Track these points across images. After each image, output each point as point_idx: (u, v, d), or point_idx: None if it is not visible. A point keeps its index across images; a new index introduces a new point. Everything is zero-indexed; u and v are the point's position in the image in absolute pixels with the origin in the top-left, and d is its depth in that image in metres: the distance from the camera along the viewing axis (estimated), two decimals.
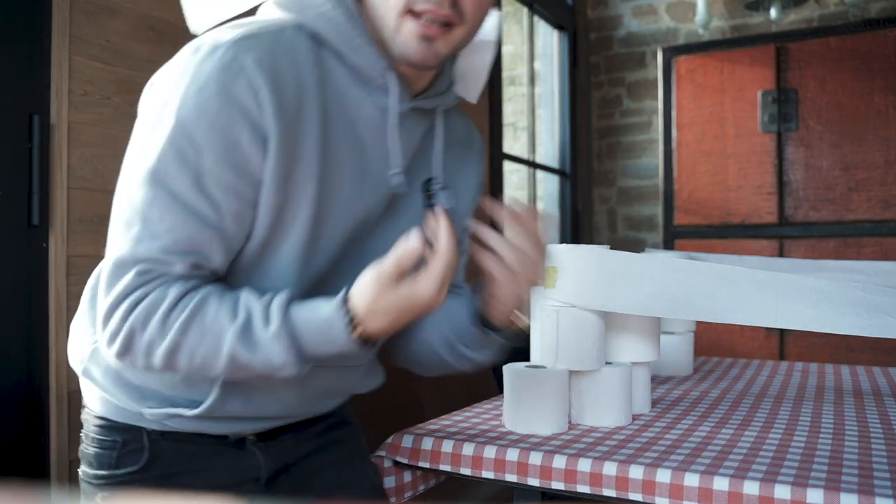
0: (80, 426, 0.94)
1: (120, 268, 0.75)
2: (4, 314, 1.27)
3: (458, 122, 0.99)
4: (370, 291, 0.74)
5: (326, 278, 0.84)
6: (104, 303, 0.75)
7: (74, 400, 1.35)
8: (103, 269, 0.78)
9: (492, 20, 0.92)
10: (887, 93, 2.70)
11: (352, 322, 0.75)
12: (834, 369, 1.72)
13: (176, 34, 1.57)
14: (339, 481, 1.00)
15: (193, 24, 0.89)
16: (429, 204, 0.90)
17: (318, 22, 0.79)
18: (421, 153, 0.91)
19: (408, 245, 0.72)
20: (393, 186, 0.86)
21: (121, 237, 0.78)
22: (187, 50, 0.76)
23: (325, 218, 0.81)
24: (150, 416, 0.84)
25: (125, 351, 0.75)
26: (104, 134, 1.42)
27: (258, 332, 0.74)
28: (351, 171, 0.82)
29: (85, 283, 1.38)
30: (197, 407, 0.83)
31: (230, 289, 0.78)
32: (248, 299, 0.75)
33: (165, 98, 0.75)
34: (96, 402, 0.90)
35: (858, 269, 1.55)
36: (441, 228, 0.74)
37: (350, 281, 0.77)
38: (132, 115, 1.50)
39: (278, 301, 0.75)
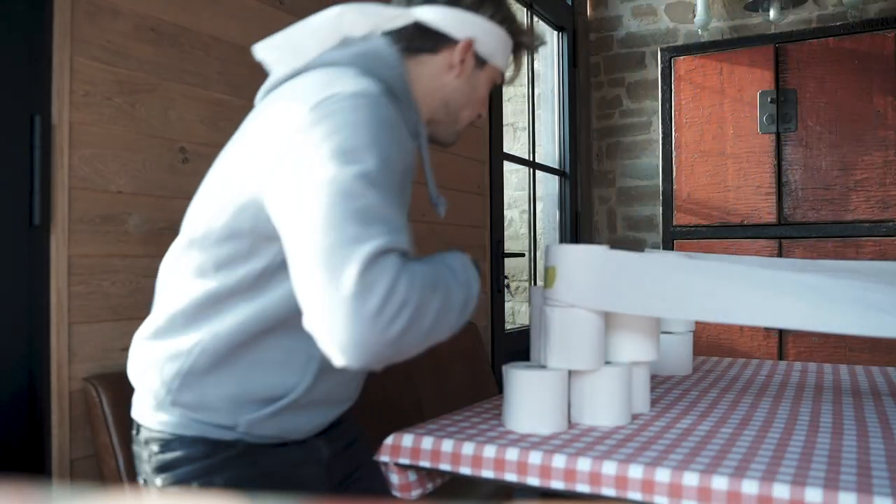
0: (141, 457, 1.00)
1: (379, 257, 0.78)
2: (5, 314, 1.27)
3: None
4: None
5: None
6: (374, 290, 0.77)
7: (75, 399, 1.36)
8: (349, 263, 0.77)
9: None
10: (886, 93, 2.71)
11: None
12: (833, 369, 1.73)
13: (176, 35, 1.57)
14: (371, 466, 1.14)
15: (262, 52, 1.02)
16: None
17: (394, 81, 0.97)
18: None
19: None
20: (438, 212, 1.07)
21: (358, 232, 0.79)
22: (340, 93, 0.87)
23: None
24: (245, 423, 0.94)
25: (411, 322, 0.79)
26: (105, 134, 1.43)
27: (470, 277, 0.91)
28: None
29: (85, 283, 1.39)
30: (292, 393, 0.95)
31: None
32: (448, 260, 0.91)
33: (352, 130, 0.84)
34: (184, 426, 0.96)
35: (857, 269, 1.56)
36: None
37: None
38: (133, 116, 1.51)
39: (464, 257, 0.94)
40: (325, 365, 0.93)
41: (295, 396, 0.95)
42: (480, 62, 1.06)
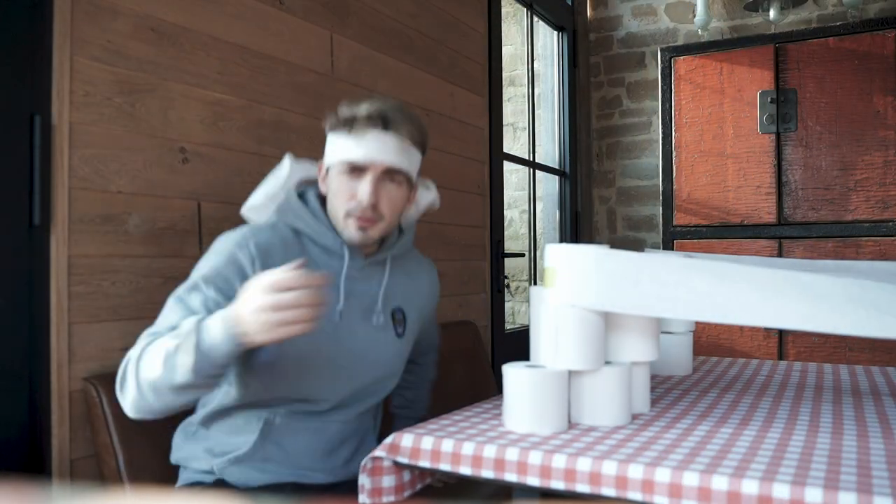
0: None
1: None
2: (5, 314, 1.27)
3: (412, 262, 1.42)
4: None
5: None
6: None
7: (75, 399, 1.36)
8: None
9: (427, 194, 1.44)
10: (886, 93, 2.71)
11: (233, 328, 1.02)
12: (832, 369, 1.73)
13: (176, 35, 1.57)
14: None
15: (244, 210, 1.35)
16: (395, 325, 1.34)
17: (296, 222, 1.27)
18: (380, 289, 1.32)
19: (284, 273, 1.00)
20: (336, 317, 1.25)
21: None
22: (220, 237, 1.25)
23: (294, 345, 1.13)
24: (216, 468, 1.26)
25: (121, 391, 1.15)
26: (105, 134, 1.43)
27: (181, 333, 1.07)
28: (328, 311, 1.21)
29: (85, 283, 1.39)
30: (243, 447, 1.25)
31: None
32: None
33: (210, 250, 1.23)
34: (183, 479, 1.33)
35: (857, 269, 1.56)
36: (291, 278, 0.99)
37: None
38: (133, 116, 1.51)
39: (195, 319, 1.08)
40: (272, 429, 1.24)
41: (246, 450, 1.24)
42: (326, 171, 1.28)
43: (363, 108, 1.22)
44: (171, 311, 1.14)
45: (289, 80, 1.88)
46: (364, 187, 1.21)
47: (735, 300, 1.07)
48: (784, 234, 2.87)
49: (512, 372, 1.10)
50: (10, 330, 1.28)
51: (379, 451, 1.08)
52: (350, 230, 1.23)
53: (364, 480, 1.06)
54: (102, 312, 1.41)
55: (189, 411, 1.30)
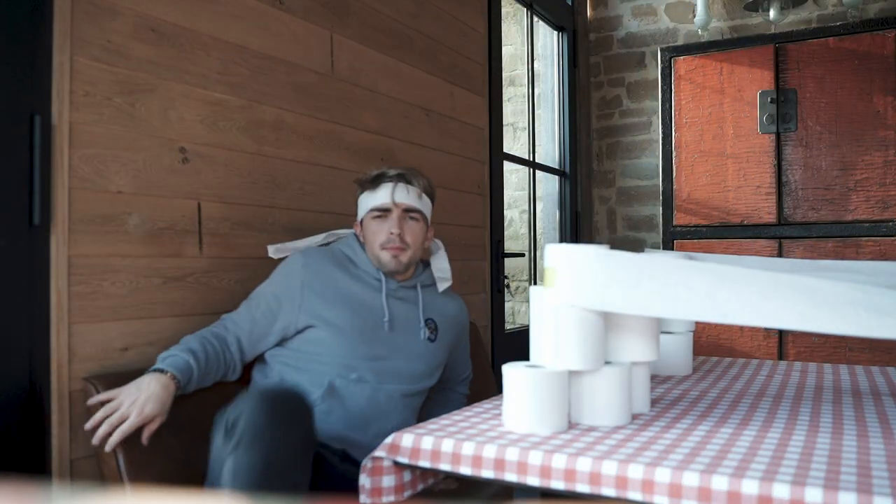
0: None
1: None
2: (5, 314, 1.27)
3: (443, 294, 1.75)
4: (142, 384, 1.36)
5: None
6: None
7: (75, 399, 1.36)
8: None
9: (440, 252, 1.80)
10: (886, 93, 2.71)
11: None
12: (832, 369, 1.73)
13: (176, 35, 1.57)
14: None
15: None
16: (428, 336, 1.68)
17: (348, 250, 1.67)
18: (413, 308, 1.68)
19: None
20: (385, 329, 1.61)
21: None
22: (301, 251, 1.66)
23: (345, 327, 1.56)
24: None
25: None
26: (105, 134, 1.43)
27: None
28: (363, 311, 1.59)
29: (85, 283, 1.39)
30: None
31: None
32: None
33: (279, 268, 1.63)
34: None
35: (857, 269, 1.56)
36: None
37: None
38: (133, 116, 1.51)
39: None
40: (335, 389, 1.53)
41: (315, 397, 1.50)
42: (362, 224, 1.67)
43: (381, 171, 1.65)
44: (241, 305, 1.59)
45: (289, 80, 1.87)
46: (392, 223, 1.61)
47: (735, 300, 1.07)
48: (784, 234, 2.87)
49: (512, 372, 1.10)
50: (9, 330, 1.28)
51: (379, 451, 1.08)
52: (386, 258, 1.61)
53: (364, 481, 1.06)
54: (102, 312, 1.41)
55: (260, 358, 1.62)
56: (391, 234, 1.60)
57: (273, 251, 1.71)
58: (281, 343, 1.57)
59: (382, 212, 1.62)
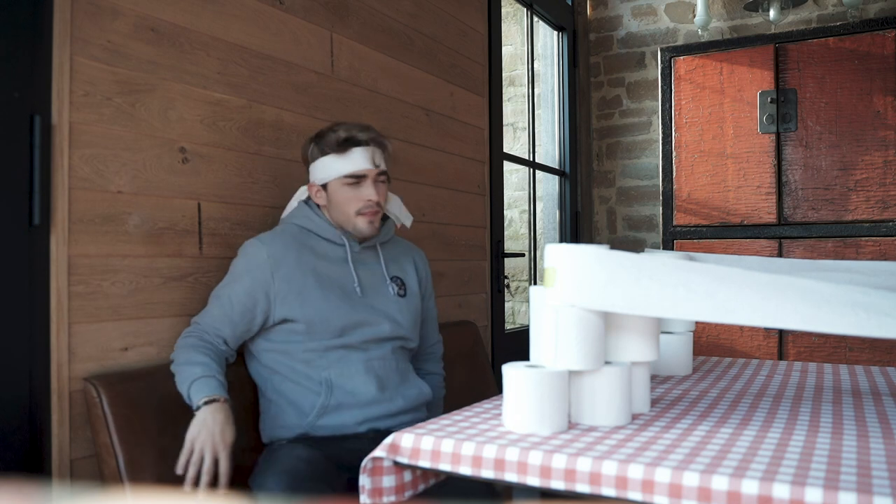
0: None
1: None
2: (5, 314, 1.27)
3: (398, 245, 1.77)
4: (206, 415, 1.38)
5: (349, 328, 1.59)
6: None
7: (75, 399, 1.36)
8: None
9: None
10: (886, 93, 2.71)
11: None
12: (832, 369, 1.73)
13: (176, 35, 1.57)
14: None
15: None
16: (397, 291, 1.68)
17: (305, 222, 1.62)
18: (376, 267, 1.68)
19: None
20: (358, 293, 1.61)
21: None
22: (242, 245, 1.59)
23: (322, 310, 1.54)
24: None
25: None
26: (105, 134, 1.43)
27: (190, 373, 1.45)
28: (334, 286, 1.58)
29: (85, 283, 1.39)
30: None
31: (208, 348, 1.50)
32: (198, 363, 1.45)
33: (231, 266, 1.59)
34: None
35: (857, 270, 1.56)
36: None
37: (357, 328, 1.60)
38: (133, 116, 1.51)
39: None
40: (332, 382, 1.54)
41: (322, 402, 1.53)
42: (325, 187, 1.61)
43: (349, 133, 1.58)
44: (211, 305, 1.54)
45: (289, 80, 1.87)
46: (369, 190, 1.58)
47: (735, 300, 1.07)
48: (784, 234, 2.87)
49: (512, 372, 1.10)
50: (9, 330, 1.28)
51: (379, 452, 1.08)
52: (362, 224, 1.59)
53: (364, 481, 1.06)
54: (102, 312, 1.41)
55: (257, 399, 1.63)
56: (370, 200, 1.57)
57: None
58: (263, 332, 1.57)
59: (357, 178, 1.58)
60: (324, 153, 1.59)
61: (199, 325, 1.52)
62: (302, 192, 1.71)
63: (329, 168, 1.59)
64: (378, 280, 1.65)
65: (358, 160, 1.57)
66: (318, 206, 1.64)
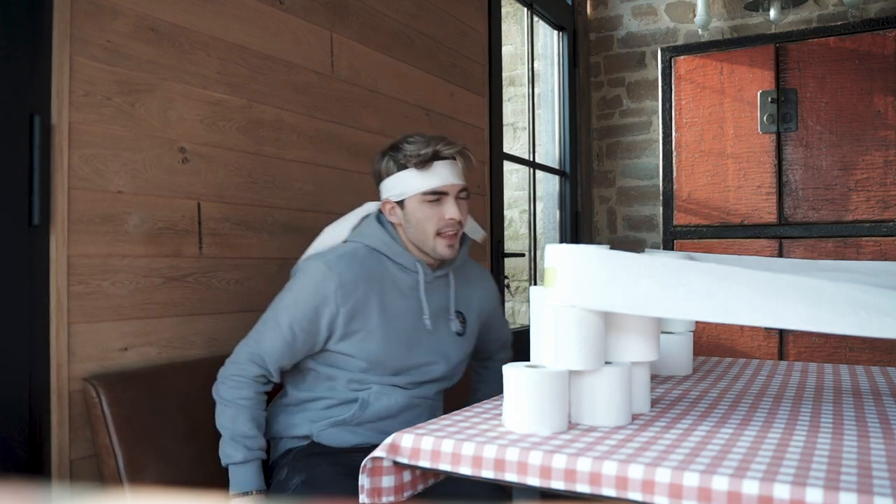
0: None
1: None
2: (5, 314, 1.27)
3: (471, 269, 1.67)
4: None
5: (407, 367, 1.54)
6: (232, 359, 1.48)
7: (75, 399, 1.36)
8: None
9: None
10: (886, 93, 2.71)
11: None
12: (833, 369, 1.73)
13: (176, 35, 1.57)
14: None
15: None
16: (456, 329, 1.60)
17: (376, 244, 1.50)
18: (445, 297, 1.58)
19: None
20: (427, 325, 1.53)
21: (254, 335, 1.48)
22: (306, 264, 1.49)
23: (380, 352, 1.47)
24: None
25: (216, 386, 1.48)
26: (105, 134, 1.43)
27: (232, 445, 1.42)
28: (398, 324, 1.49)
29: (85, 283, 1.39)
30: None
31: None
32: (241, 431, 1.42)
33: (291, 285, 1.48)
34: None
35: (857, 270, 1.55)
36: None
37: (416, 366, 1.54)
38: (133, 116, 1.51)
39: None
40: (368, 404, 1.49)
41: (346, 417, 1.49)
42: (401, 203, 1.48)
43: (434, 147, 1.46)
44: (268, 328, 1.44)
45: (288, 80, 1.87)
46: (451, 208, 1.47)
47: (735, 300, 1.07)
48: (784, 234, 2.87)
49: (512, 372, 1.10)
50: (9, 330, 1.27)
51: (379, 452, 1.08)
52: (441, 247, 1.48)
53: (364, 481, 1.06)
54: (102, 312, 1.41)
55: (278, 389, 1.59)
56: (451, 219, 1.46)
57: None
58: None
59: (438, 195, 1.46)
60: (402, 167, 1.47)
61: (254, 360, 1.43)
62: (364, 209, 1.60)
63: (407, 183, 1.46)
64: (443, 313, 1.56)
65: (441, 175, 1.45)
66: (392, 224, 1.53)
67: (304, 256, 1.56)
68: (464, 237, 1.60)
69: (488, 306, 1.71)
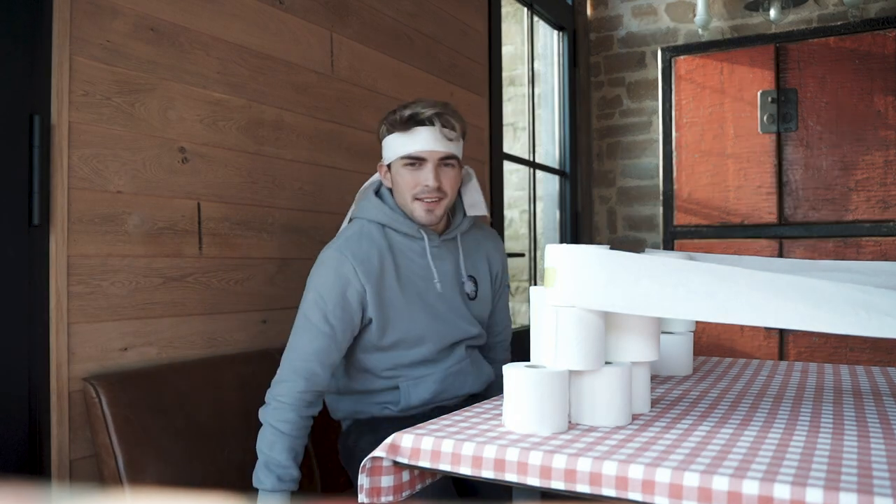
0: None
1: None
2: (5, 314, 1.27)
3: (478, 233, 1.68)
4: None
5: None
6: (278, 379, 1.45)
7: (75, 399, 1.36)
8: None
9: (473, 182, 1.65)
10: (886, 93, 2.71)
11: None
12: (833, 369, 1.73)
13: (176, 35, 1.57)
14: None
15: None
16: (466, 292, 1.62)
17: (379, 216, 1.52)
18: (454, 262, 1.60)
19: None
20: (438, 289, 1.56)
21: (292, 351, 1.45)
22: (328, 246, 1.50)
23: (411, 309, 1.50)
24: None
25: (265, 406, 1.45)
26: (105, 134, 1.42)
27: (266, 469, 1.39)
28: (417, 284, 1.53)
29: (85, 283, 1.39)
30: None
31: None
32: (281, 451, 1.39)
33: (311, 282, 1.47)
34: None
35: (857, 270, 1.55)
36: None
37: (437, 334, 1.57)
38: (133, 116, 1.50)
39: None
40: (408, 389, 1.55)
41: (396, 409, 1.55)
42: (389, 168, 1.53)
43: (414, 110, 1.47)
44: (303, 331, 1.43)
45: (288, 80, 1.87)
46: (427, 174, 1.47)
47: (735, 300, 1.07)
48: (784, 234, 2.87)
49: (512, 372, 1.10)
50: (9, 330, 1.27)
51: (378, 451, 1.08)
52: (419, 211, 1.50)
53: (363, 480, 1.06)
54: (102, 312, 1.41)
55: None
56: (427, 185, 1.48)
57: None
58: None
59: (416, 160, 1.48)
60: (389, 131, 1.51)
61: (298, 372, 1.41)
62: (368, 181, 1.63)
63: (391, 147, 1.50)
64: (454, 277, 1.58)
65: (417, 140, 1.46)
66: (390, 192, 1.56)
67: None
68: (461, 206, 1.64)
69: (498, 267, 1.72)
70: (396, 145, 1.49)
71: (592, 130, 3.77)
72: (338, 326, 1.43)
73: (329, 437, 1.76)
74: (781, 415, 1.21)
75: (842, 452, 0.97)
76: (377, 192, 1.57)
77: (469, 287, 1.60)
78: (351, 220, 1.59)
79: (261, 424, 1.42)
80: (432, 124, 1.46)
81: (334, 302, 1.42)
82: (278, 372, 1.44)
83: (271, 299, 1.81)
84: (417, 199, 1.49)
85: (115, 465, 1.32)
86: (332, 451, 1.75)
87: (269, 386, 1.45)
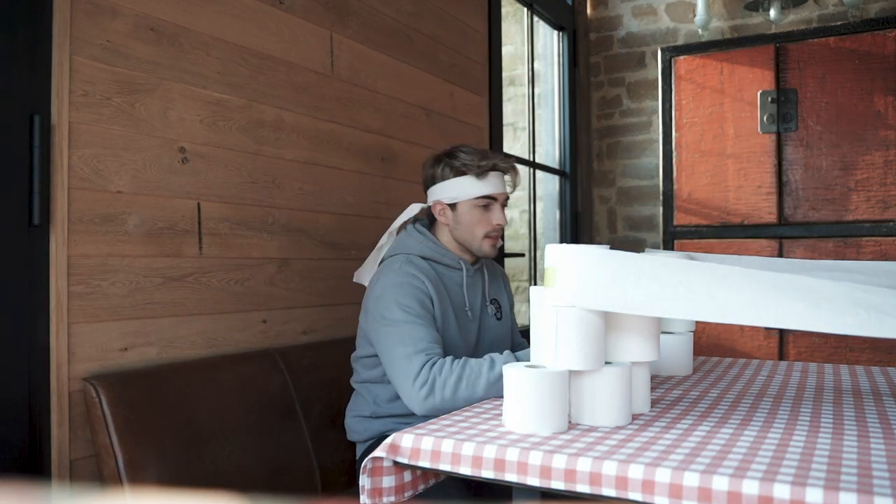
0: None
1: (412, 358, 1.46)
2: (5, 314, 1.27)
3: (489, 265, 1.81)
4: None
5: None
6: (413, 375, 1.44)
7: (75, 399, 1.36)
8: (395, 368, 1.48)
9: None
10: (886, 93, 2.71)
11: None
12: (833, 369, 1.73)
13: (176, 35, 1.57)
14: None
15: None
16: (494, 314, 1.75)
17: (424, 251, 1.64)
18: (480, 289, 1.73)
19: None
20: (469, 316, 1.67)
21: (401, 350, 1.47)
22: (382, 274, 1.60)
23: (453, 332, 1.60)
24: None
25: (430, 391, 1.41)
26: (105, 134, 1.42)
27: (497, 367, 1.41)
28: (458, 310, 1.65)
29: (85, 283, 1.39)
30: None
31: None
32: (483, 358, 1.44)
33: (387, 300, 1.53)
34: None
35: (857, 269, 1.55)
36: None
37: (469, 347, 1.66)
38: (133, 116, 1.51)
39: (497, 357, 1.44)
40: None
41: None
42: (452, 206, 1.64)
43: (486, 159, 1.64)
44: (400, 337, 1.48)
45: (288, 80, 1.87)
46: (499, 214, 1.65)
47: (735, 300, 1.07)
48: (784, 234, 2.87)
49: (512, 372, 1.10)
50: (9, 330, 1.27)
51: (379, 452, 1.08)
52: (487, 247, 1.66)
53: (364, 481, 1.06)
54: (102, 312, 1.41)
55: (343, 402, 1.73)
56: (498, 224, 1.64)
57: (359, 276, 1.76)
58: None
59: (490, 200, 1.63)
60: (459, 173, 1.63)
61: (422, 352, 1.46)
62: (406, 213, 1.71)
63: (463, 188, 1.63)
64: (481, 303, 1.71)
65: (494, 184, 1.63)
66: (428, 229, 1.69)
67: (362, 270, 1.76)
68: None
69: (510, 295, 1.90)
70: (470, 187, 1.62)
71: (592, 130, 3.77)
72: (426, 316, 1.52)
73: (329, 436, 1.76)
74: (781, 415, 1.21)
75: (842, 452, 0.97)
76: (416, 230, 1.70)
77: (492, 309, 1.74)
78: (388, 255, 1.67)
79: (453, 405, 1.39)
80: (509, 172, 1.67)
81: (414, 300, 1.52)
82: (401, 382, 1.45)
83: (271, 299, 1.82)
84: (488, 237, 1.65)
85: (115, 465, 1.32)
86: (332, 450, 1.75)
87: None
